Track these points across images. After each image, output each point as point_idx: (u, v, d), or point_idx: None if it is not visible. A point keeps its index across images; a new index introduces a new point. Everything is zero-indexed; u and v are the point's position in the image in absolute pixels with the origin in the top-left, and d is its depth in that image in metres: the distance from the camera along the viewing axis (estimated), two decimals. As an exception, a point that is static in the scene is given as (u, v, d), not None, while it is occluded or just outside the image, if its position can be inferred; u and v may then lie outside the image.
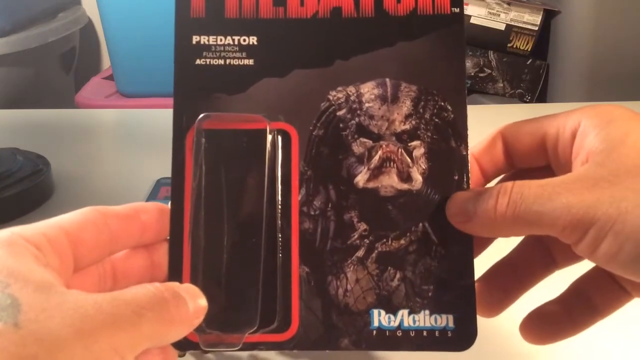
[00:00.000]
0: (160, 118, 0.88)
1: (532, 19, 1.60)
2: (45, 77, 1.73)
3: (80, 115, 0.99)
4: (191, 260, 0.31)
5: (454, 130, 0.32)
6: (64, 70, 1.83)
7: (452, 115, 0.32)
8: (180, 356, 0.41)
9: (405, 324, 0.31)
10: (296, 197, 0.32)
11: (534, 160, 0.33)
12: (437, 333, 0.31)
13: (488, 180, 0.34)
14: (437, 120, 0.32)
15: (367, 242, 0.32)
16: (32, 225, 0.26)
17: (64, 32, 1.72)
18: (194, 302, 0.27)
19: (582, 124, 0.30)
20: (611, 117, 0.29)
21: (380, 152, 0.32)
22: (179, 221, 0.31)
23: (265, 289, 0.31)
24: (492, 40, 1.62)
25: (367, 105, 0.32)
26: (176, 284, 0.27)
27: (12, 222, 0.61)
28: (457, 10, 0.32)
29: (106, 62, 2.04)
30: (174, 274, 0.31)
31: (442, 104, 0.32)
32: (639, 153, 0.27)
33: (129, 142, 0.85)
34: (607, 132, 0.28)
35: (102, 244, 0.28)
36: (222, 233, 0.31)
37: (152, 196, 0.64)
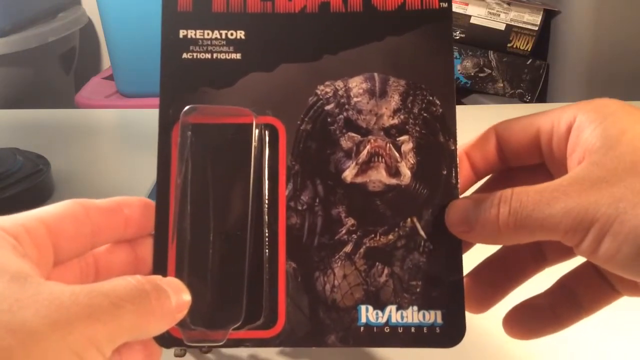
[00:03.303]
0: (160, 118, 0.87)
1: (532, 19, 1.60)
2: (45, 77, 1.73)
3: (80, 115, 0.99)
4: (176, 255, 0.30)
5: (443, 125, 0.32)
6: (64, 70, 1.83)
7: (440, 110, 0.32)
8: (180, 356, 0.40)
9: (393, 320, 0.31)
10: (283, 192, 0.32)
11: (528, 157, 0.32)
12: (425, 329, 0.31)
13: (479, 177, 0.34)
14: (425, 114, 0.32)
15: (355, 237, 0.31)
16: (11, 216, 0.26)
17: (64, 32, 1.72)
18: (177, 296, 0.26)
19: (577, 119, 0.29)
20: (607, 111, 0.29)
21: (368, 147, 0.32)
22: (164, 216, 0.31)
23: (251, 285, 0.30)
24: (492, 40, 1.62)
25: (355, 99, 0.32)
26: (159, 277, 0.27)
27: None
28: (445, 5, 0.32)
29: (106, 62, 2.04)
30: (159, 269, 0.30)
31: (431, 98, 0.32)
32: (635, 150, 0.27)
33: (129, 142, 0.85)
34: (604, 128, 0.28)
35: (82, 237, 0.28)
36: (208, 228, 0.31)
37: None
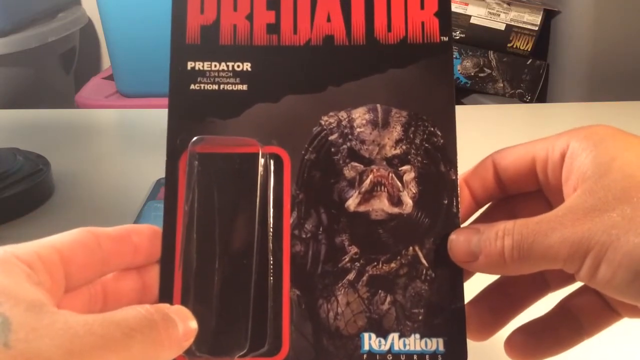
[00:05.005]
0: (160, 118, 0.87)
1: (532, 19, 1.60)
2: (45, 77, 1.73)
3: (80, 115, 1.00)
4: (182, 283, 0.31)
5: (444, 155, 0.33)
6: (64, 70, 1.83)
7: (441, 141, 0.33)
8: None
9: (396, 347, 0.31)
10: (288, 220, 0.32)
11: (525, 184, 0.33)
12: (427, 357, 0.31)
13: (479, 206, 0.34)
14: (427, 145, 0.33)
15: (358, 265, 0.32)
16: (25, 244, 0.26)
17: (64, 32, 1.72)
18: (184, 324, 0.27)
19: (570, 146, 0.30)
20: (598, 138, 0.29)
21: (371, 177, 0.33)
22: (171, 243, 0.31)
23: (256, 312, 0.31)
24: (492, 40, 1.62)
25: (358, 130, 0.33)
26: (166, 305, 0.27)
27: (12, 222, 0.62)
28: (445, 39, 0.33)
29: (106, 62, 2.04)
30: (165, 296, 0.31)
31: (432, 129, 0.33)
32: (625, 177, 0.27)
33: (129, 142, 0.86)
34: (594, 156, 0.29)
35: (93, 265, 0.28)
36: (214, 256, 0.31)
37: (152, 196, 0.65)
